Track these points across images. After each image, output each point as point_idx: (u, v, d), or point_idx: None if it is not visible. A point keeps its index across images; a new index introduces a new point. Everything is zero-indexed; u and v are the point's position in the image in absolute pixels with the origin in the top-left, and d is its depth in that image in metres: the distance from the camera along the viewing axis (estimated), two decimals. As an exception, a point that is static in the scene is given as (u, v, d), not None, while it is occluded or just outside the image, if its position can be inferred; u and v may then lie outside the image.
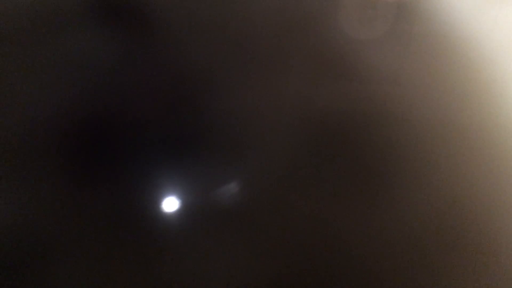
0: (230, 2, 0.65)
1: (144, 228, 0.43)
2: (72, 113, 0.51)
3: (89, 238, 0.41)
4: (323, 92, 0.55)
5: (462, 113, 0.54)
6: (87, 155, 0.48)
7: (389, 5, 0.66)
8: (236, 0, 0.66)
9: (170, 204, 0.44)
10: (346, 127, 0.52)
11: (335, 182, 0.47)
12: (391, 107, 0.54)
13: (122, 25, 0.61)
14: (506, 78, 0.58)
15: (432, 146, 0.50)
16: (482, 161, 0.49)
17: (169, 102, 0.53)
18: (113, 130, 0.50)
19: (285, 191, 0.46)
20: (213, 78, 0.56)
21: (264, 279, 0.40)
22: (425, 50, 0.62)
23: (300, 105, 0.54)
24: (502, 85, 0.57)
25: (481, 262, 0.42)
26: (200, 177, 0.47)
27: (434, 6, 0.66)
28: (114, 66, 0.57)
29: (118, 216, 0.43)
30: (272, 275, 0.41)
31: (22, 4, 0.61)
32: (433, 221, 0.44)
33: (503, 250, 0.43)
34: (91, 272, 0.40)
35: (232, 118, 0.52)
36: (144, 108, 0.52)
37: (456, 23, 0.64)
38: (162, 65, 0.57)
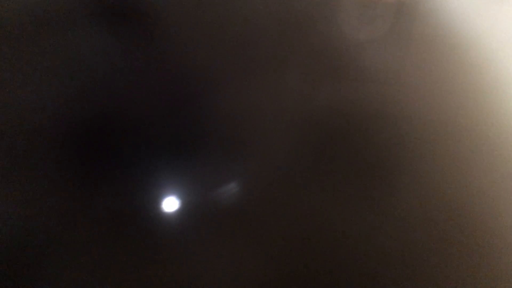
0: (230, 2, 0.65)
1: (144, 228, 0.43)
2: (73, 112, 0.51)
3: (89, 237, 0.41)
4: (323, 92, 0.55)
5: (462, 112, 0.54)
6: (88, 155, 0.48)
7: (389, 5, 0.66)
8: (236, 0, 0.66)
9: (170, 204, 0.45)
10: (346, 127, 0.52)
11: (335, 181, 0.47)
12: (391, 107, 0.54)
13: (123, 25, 0.61)
14: (506, 78, 0.58)
15: (432, 146, 0.50)
16: (482, 161, 0.49)
17: (169, 102, 0.53)
18: (114, 130, 0.50)
19: (285, 191, 0.46)
20: (213, 78, 0.56)
21: (264, 278, 0.40)
22: (425, 50, 0.62)
23: (300, 104, 0.54)
24: (502, 85, 0.57)
25: (481, 261, 0.42)
26: (200, 177, 0.47)
27: (434, 6, 0.66)
28: (115, 66, 0.57)
29: (118, 216, 0.43)
30: (272, 274, 0.41)
31: (23, 4, 0.61)
32: (433, 220, 0.44)
33: (503, 249, 0.43)
34: (91, 272, 0.40)
35: (232, 118, 0.52)
36: (145, 108, 0.52)
37: (456, 23, 0.64)
38: (163, 65, 0.57)
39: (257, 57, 0.59)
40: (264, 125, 0.52)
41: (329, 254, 0.42)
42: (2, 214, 0.42)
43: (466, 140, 0.51)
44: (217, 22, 0.62)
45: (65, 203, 0.44)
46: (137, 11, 0.63)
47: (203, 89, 0.55)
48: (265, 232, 0.43)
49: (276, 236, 0.43)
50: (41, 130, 0.49)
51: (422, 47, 0.62)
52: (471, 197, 0.46)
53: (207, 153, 0.49)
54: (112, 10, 0.62)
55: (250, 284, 0.40)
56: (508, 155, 0.50)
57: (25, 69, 0.55)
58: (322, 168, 0.48)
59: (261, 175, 0.47)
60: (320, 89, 0.55)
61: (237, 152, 0.49)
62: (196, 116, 0.52)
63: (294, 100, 0.54)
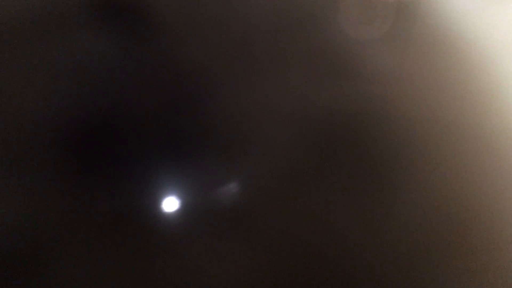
0: (229, 2, 0.65)
1: (144, 228, 0.43)
2: (72, 112, 0.51)
3: (89, 238, 0.41)
4: (323, 91, 0.55)
5: (462, 113, 0.54)
6: (87, 155, 0.48)
7: (389, 5, 0.66)
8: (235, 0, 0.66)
9: (170, 204, 0.44)
10: (346, 127, 0.52)
11: (335, 182, 0.47)
12: (391, 107, 0.54)
13: (122, 24, 0.61)
14: (506, 78, 0.58)
15: (432, 146, 0.50)
16: (481, 161, 0.49)
17: (168, 102, 0.53)
18: (113, 130, 0.50)
19: (285, 191, 0.46)
20: (213, 78, 0.56)
21: (264, 279, 0.40)
22: (425, 50, 0.62)
23: (300, 104, 0.54)
24: (502, 85, 0.57)
25: (480, 262, 0.42)
26: (200, 177, 0.47)
27: (434, 6, 0.66)
28: (114, 66, 0.57)
29: (118, 216, 0.43)
30: (272, 275, 0.41)
31: (23, 4, 0.61)
32: (433, 220, 0.44)
33: (503, 250, 0.43)
34: (91, 272, 0.40)
35: (232, 118, 0.52)
36: (144, 108, 0.52)
37: (456, 23, 0.64)
38: (162, 65, 0.57)
39: (257, 56, 0.59)
40: (264, 124, 0.52)
41: (330, 254, 0.42)
42: (2, 214, 0.42)
43: (467, 140, 0.51)
44: (217, 21, 0.62)
45: (65, 203, 0.44)
46: (137, 10, 0.62)
47: (203, 89, 0.55)
48: (266, 232, 0.43)
49: (277, 236, 0.43)
50: (41, 130, 0.49)
51: (422, 47, 0.62)
52: (472, 197, 0.46)
53: (207, 152, 0.49)
54: (112, 9, 0.62)
55: (251, 284, 0.40)
56: (509, 155, 0.50)
57: (25, 69, 0.55)
58: (322, 168, 0.48)
59: (261, 175, 0.47)
60: (320, 89, 0.55)
61: (237, 152, 0.49)
62: (196, 116, 0.52)
63: (294, 100, 0.54)
